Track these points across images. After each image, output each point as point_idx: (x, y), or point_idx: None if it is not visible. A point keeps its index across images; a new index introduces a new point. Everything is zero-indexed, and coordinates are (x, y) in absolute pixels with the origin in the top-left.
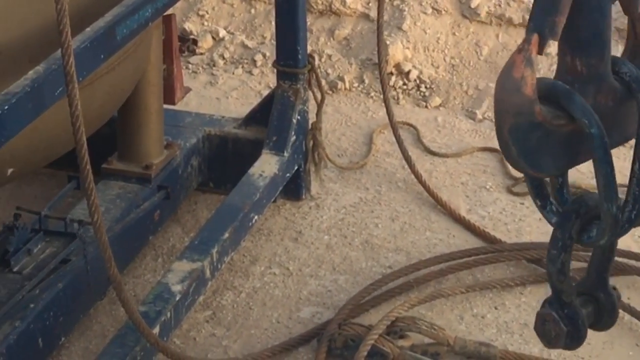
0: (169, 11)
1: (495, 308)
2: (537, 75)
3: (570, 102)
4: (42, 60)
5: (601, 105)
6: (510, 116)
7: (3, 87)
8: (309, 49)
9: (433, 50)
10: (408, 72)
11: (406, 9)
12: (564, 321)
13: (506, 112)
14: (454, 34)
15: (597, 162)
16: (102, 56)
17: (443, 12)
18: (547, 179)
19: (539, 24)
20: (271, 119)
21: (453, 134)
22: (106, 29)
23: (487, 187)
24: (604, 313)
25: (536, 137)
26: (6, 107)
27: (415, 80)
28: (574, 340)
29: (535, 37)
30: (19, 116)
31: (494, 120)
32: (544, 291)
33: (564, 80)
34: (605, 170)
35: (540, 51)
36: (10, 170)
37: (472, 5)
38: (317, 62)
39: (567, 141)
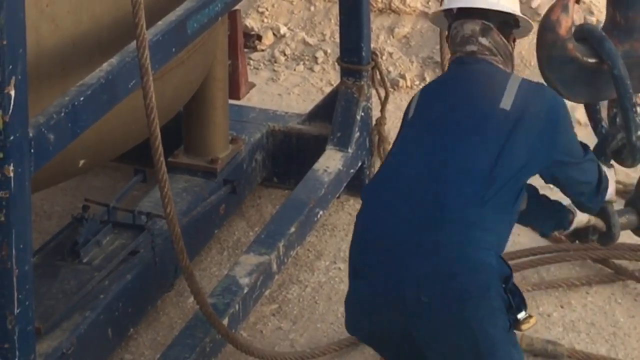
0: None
1: (561, 307)
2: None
3: (600, 45)
4: (113, 53)
5: (635, 52)
6: (546, 49)
7: (76, 79)
8: None
9: None
10: None
11: None
12: None
13: (543, 46)
14: None
15: (618, 98)
16: (173, 49)
17: None
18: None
19: None
20: (335, 115)
21: None
22: (178, 22)
23: (551, 186)
24: None
25: (571, 69)
26: (81, 99)
27: None
28: None
29: None
30: (94, 107)
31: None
32: (610, 291)
33: (606, 28)
34: (625, 105)
35: (577, 0)
36: (82, 162)
37: (533, 6)
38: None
39: (599, 77)
